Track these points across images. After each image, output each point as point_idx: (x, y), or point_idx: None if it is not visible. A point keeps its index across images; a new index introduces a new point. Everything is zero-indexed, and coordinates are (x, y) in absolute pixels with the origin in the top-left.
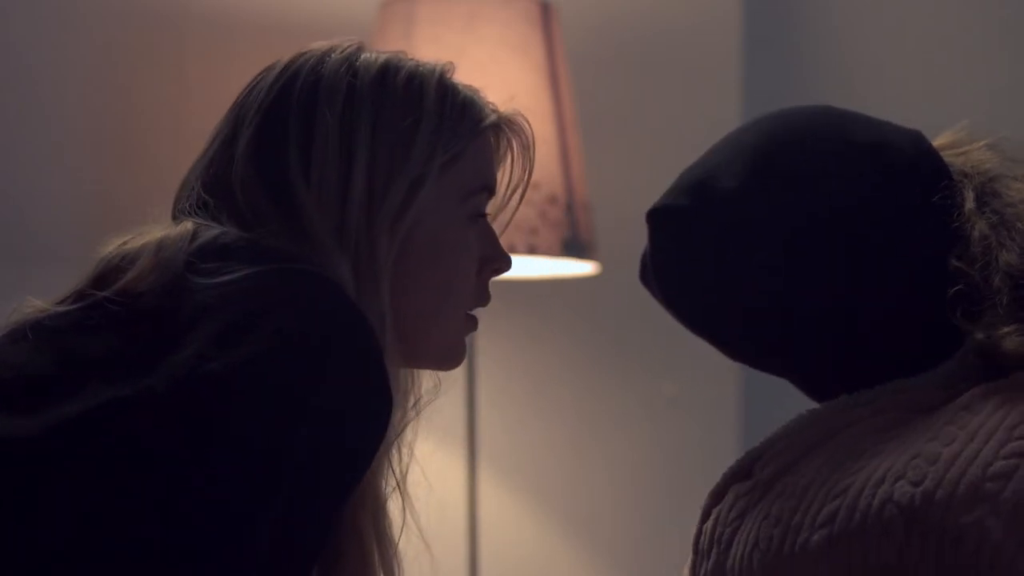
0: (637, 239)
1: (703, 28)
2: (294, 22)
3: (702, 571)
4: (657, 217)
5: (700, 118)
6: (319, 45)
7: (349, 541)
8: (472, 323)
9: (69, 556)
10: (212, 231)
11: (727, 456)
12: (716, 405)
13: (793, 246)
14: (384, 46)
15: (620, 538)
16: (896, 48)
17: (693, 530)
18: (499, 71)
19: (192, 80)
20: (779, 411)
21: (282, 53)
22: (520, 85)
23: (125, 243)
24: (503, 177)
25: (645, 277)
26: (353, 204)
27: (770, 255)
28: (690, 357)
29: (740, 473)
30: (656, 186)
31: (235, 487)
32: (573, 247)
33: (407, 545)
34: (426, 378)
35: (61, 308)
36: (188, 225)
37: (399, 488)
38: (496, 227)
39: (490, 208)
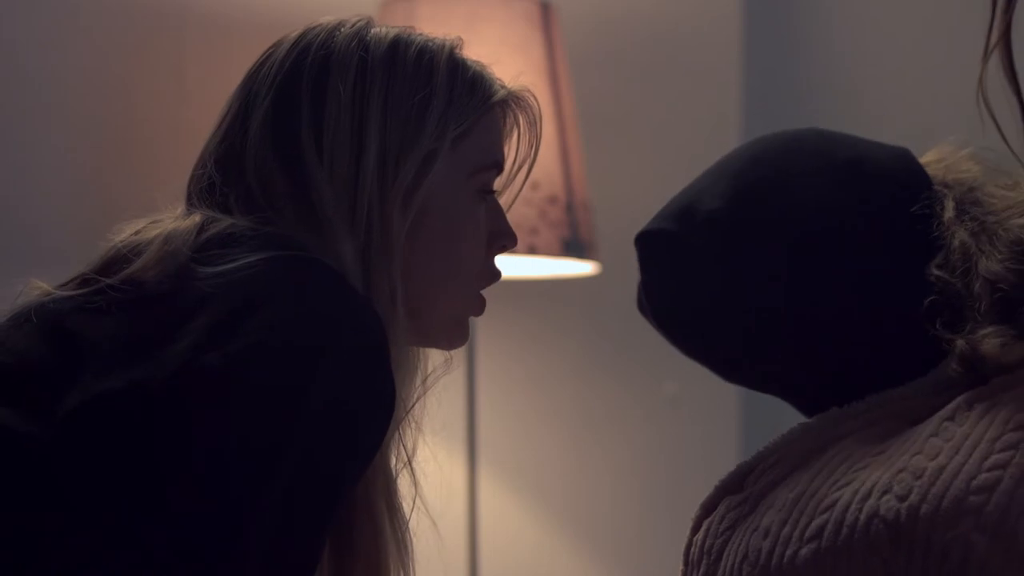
0: None
1: (703, 28)
2: (294, 22)
3: None
4: (644, 241)
5: (700, 118)
6: (328, 20)
7: (361, 515)
8: (480, 304)
9: (66, 556)
10: (221, 223)
11: (727, 456)
12: (716, 405)
13: (775, 264)
14: None
15: (620, 538)
16: (896, 48)
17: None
18: (499, 71)
19: (192, 80)
20: (779, 412)
21: None
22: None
23: (137, 232)
24: (509, 153)
25: (642, 307)
26: (365, 178)
27: (753, 274)
28: None
29: (732, 486)
30: (656, 186)
31: (231, 481)
32: (573, 247)
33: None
34: (435, 354)
35: (65, 292)
36: (196, 218)
37: (408, 464)
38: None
39: (497, 184)
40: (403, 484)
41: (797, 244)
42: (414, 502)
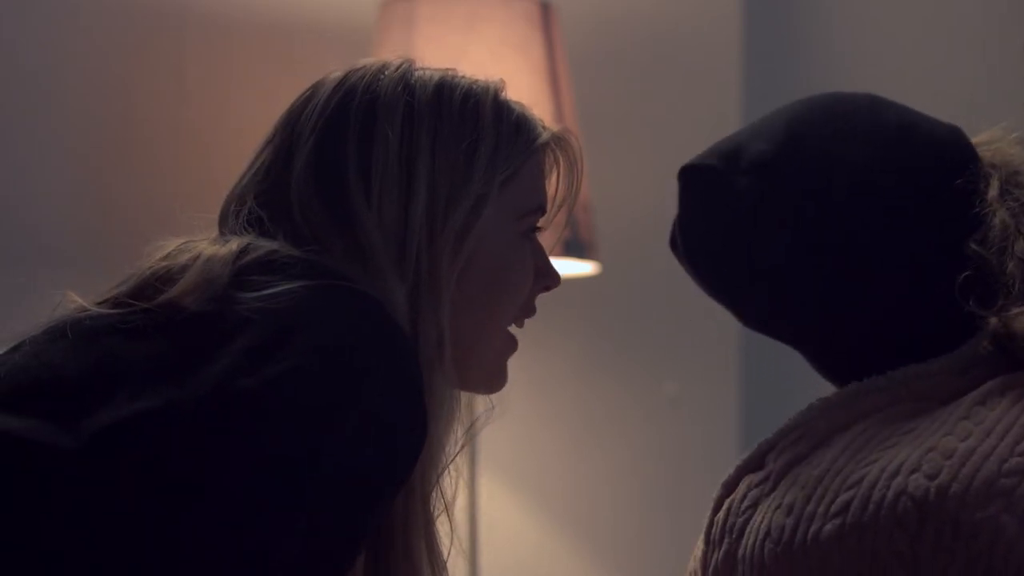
0: (637, 239)
1: (703, 28)
2: (294, 22)
3: (713, 561)
4: (688, 175)
5: (700, 118)
6: (369, 62)
7: (399, 558)
8: (514, 343)
9: (91, 570)
10: (261, 250)
11: (727, 456)
12: (716, 405)
13: (814, 213)
14: (384, 46)
15: (620, 538)
16: (896, 47)
17: (692, 529)
18: (499, 71)
19: (192, 80)
20: (779, 411)
21: (282, 53)
22: (520, 85)
23: (168, 255)
24: (549, 191)
25: (674, 243)
26: (414, 223)
27: (788, 223)
28: (690, 357)
29: (752, 464)
30: (656, 186)
31: (260, 502)
32: (573, 247)
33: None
34: (479, 402)
35: (102, 310)
36: (233, 246)
37: (447, 512)
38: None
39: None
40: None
41: (837, 199)
42: (450, 547)
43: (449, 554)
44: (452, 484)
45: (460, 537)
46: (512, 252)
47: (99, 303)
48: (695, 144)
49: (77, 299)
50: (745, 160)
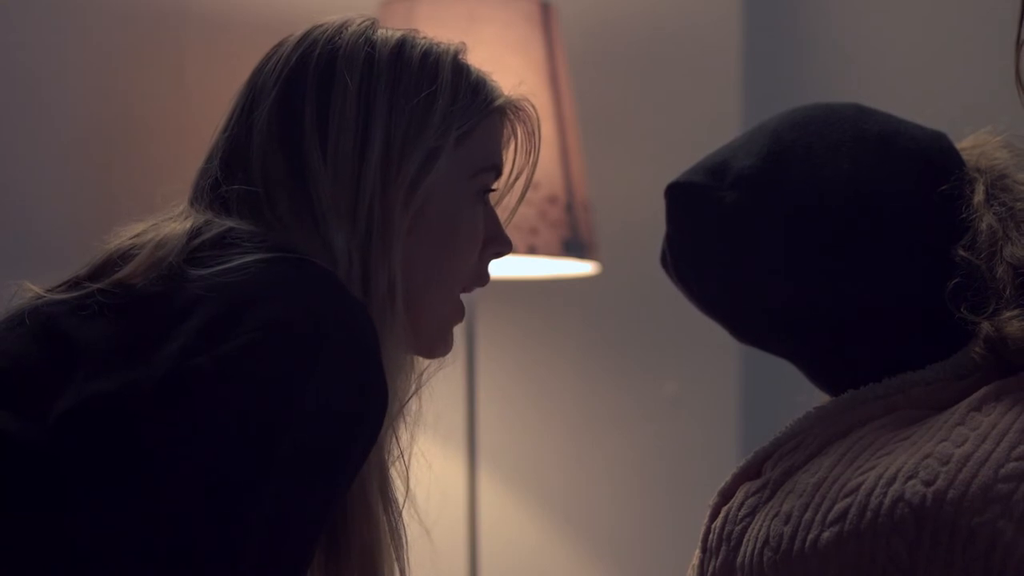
0: (637, 239)
1: (703, 28)
2: (294, 22)
3: (710, 569)
4: (673, 192)
5: (700, 118)
6: (333, 19)
7: (356, 505)
8: (461, 310)
9: (61, 557)
10: (216, 228)
11: (727, 456)
12: (716, 405)
13: (799, 226)
14: None
15: (620, 538)
16: (896, 48)
17: (693, 529)
18: (499, 71)
19: (192, 80)
20: (779, 411)
21: None
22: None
23: (137, 236)
24: (507, 162)
25: (664, 261)
26: (368, 170)
27: (774, 237)
28: (690, 357)
29: (749, 472)
30: (656, 186)
31: (222, 482)
32: (573, 247)
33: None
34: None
35: (58, 295)
36: (189, 223)
37: (402, 457)
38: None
39: (495, 194)
40: (397, 477)
41: (823, 211)
42: (406, 493)
43: (405, 500)
44: (405, 432)
45: (414, 489)
46: (463, 209)
47: (55, 288)
48: (695, 145)
49: (33, 287)
50: (731, 175)
